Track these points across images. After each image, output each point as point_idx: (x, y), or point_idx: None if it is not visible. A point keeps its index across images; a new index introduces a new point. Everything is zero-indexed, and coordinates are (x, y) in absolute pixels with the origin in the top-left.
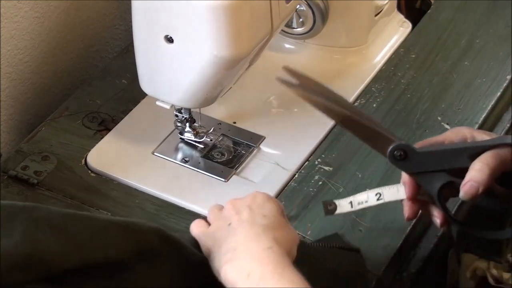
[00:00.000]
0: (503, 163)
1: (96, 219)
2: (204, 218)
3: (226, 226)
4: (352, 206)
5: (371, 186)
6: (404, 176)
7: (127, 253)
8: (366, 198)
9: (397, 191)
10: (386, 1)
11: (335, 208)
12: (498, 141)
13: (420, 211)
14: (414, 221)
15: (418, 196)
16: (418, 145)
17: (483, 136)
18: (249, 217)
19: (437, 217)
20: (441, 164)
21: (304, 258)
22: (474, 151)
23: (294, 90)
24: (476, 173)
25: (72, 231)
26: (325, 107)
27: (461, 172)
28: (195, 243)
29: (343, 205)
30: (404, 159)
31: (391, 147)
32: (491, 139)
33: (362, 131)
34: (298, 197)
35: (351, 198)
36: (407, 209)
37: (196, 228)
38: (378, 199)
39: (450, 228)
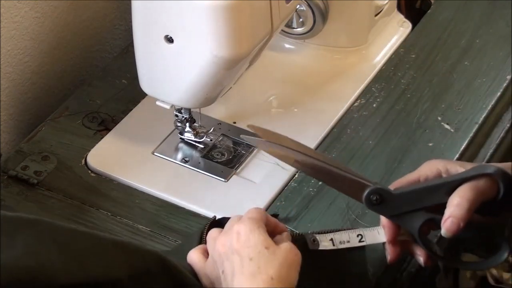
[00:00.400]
0: (481, 194)
1: (97, 236)
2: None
3: (220, 273)
4: (334, 244)
5: None
6: (383, 218)
7: (126, 274)
8: (348, 238)
9: (378, 234)
10: (386, 1)
11: (318, 244)
12: (473, 172)
13: (402, 252)
14: None
15: (399, 237)
16: (393, 185)
17: (457, 168)
18: (238, 267)
19: (420, 255)
20: (418, 203)
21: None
22: (451, 185)
23: (260, 146)
24: (455, 209)
25: (74, 246)
26: (293, 159)
27: (440, 207)
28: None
29: (325, 243)
30: (381, 202)
31: (366, 192)
32: (465, 171)
33: (333, 179)
34: (298, 197)
35: (331, 235)
36: (388, 252)
37: (193, 261)
38: (360, 241)
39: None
